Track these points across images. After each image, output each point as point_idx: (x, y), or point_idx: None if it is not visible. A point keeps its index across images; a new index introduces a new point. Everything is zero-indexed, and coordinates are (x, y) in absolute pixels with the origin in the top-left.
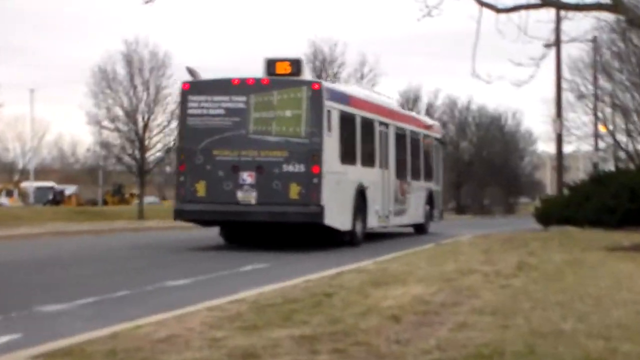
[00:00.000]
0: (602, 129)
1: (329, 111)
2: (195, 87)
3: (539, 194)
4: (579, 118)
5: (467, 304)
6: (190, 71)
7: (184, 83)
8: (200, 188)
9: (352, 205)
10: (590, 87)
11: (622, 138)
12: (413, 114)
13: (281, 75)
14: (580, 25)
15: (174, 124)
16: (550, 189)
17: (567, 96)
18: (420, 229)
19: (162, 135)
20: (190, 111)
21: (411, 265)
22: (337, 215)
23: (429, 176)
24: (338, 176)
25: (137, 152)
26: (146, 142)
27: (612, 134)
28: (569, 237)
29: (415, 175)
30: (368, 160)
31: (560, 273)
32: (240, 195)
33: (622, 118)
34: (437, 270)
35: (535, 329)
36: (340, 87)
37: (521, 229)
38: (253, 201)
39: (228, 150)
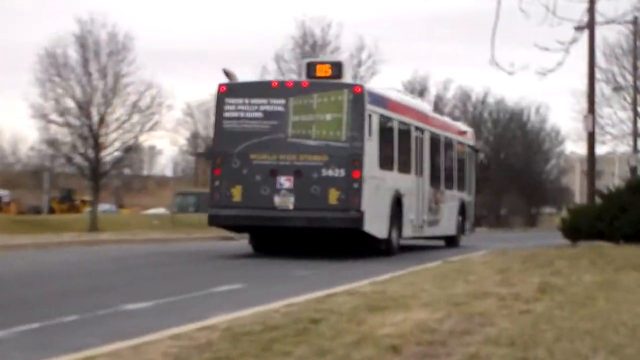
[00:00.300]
0: None
1: (369, 115)
2: (232, 89)
3: (566, 203)
4: (615, 114)
5: (480, 333)
6: (227, 73)
7: (221, 85)
8: (236, 193)
9: (389, 212)
10: (629, 77)
11: None
12: (447, 119)
13: (321, 77)
14: (619, 4)
15: (136, 118)
16: (579, 197)
17: (602, 88)
18: (451, 242)
19: (121, 132)
20: (226, 114)
21: (414, 286)
22: (376, 222)
23: (461, 185)
24: (377, 182)
25: (90, 151)
26: (102, 140)
27: None
28: (601, 255)
29: (449, 184)
30: (404, 167)
31: (590, 297)
32: (277, 200)
33: None
34: (444, 292)
35: None
36: (379, 90)
37: (545, 244)
38: (291, 206)
39: (266, 154)
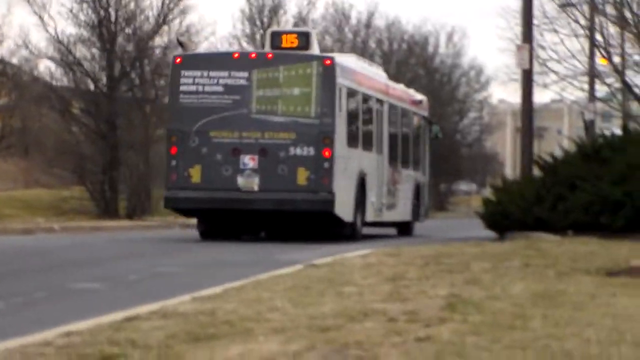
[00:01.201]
0: (601, 62)
1: (339, 89)
2: (190, 61)
3: (491, 178)
4: (562, 43)
5: None
6: (181, 43)
7: (176, 57)
8: (195, 173)
9: (355, 194)
10: None
11: (637, 79)
12: (402, 87)
13: (288, 49)
14: None
15: None
16: (511, 168)
17: (543, 4)
18: (404, 229)
19: None
20: (183, 88)
21: (260, 303)
22: (344, 204)
23: (417, 164)
24: (345, 161)
25: None
26: None
27: (618, 71)
28: (540, 253)
29: (405, 163)
30: (367, 144)
31: (522, 316)
32: (241, 181)
33: (637, 40)
34: (305, 312)
35: None
36: (347, 61)
37: (457, 237)
38: (256, 188)
39: (227, 131)
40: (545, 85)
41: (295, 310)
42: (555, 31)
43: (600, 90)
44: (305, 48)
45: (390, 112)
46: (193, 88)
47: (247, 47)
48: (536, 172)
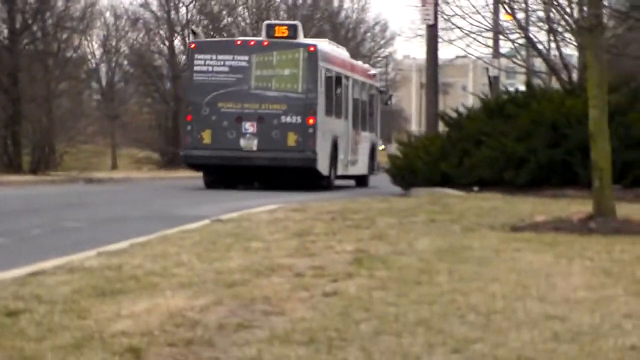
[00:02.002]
0: (505, 18)
1: (320, 70)
2: (202, 46)
3: (397, 134)
4: None
5: (263, 327)
6: (194, 32)
7: (191, 43)
8: (206, 136)
9: (330, 153)
10: None
11: (541, 35)
12: (360, 63)
13: (279, 38)
14: None
15: None
16: (416, 123)
17: None
18: (362, 181)
19: None
20: (196, 68)
21: (167, 258)
22: (323, 161)
23: (371, 127)
24: (324, 127)
25: None
26: None
27: (522, 27)
28: (445, 209)
29: (363, 127)
30: (338, 113)
31: (427, 271)
32: (243, 142)
33: None
34: (211, 267)
35: None
36: (325, 47)
37: (364, 193)
38: (254, 148)
39: (232, 103)
40: (450, 41)
41: (202, 265)
42: None
43: (505, 46)
44: (294, 37)
45: (354, 85)
46: (204, 68)
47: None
48: (442, 129)
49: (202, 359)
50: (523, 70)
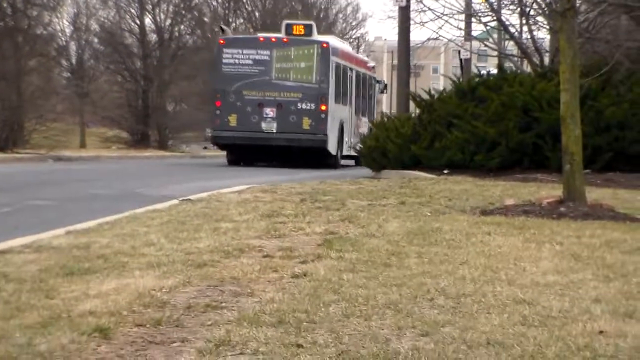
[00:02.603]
0: (478, 0)
1: (331, 63)
2: (229, 42)
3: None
4: None
5: (232, 308)
6: (222, 29)
7: (220, 39)
8: (232, 120)
9: (337, 136)
10: None
11: (513, 18)
12: (362, 56)
13: (297, 35)
14: None
15: None
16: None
17: None
18: (360, 162)
19: None
20: (224, 61)
21: (135, 237)
22: (332, 143)
23: (370, 113)
24: (333, 113)
25: None
26: None
27: (494, 9)
28: (415, 191)
29: (363, 113)
30: (344, 101)
31: (397, 253)
32: (264, 125)
33: None
34: (180, 247)
35: (347, 350)
36: (335, 43)
37: (334, 175)
38: (274, 130)
39: (255, 91)
40: (422, 23)
41: (171, 245)
42: None
43: (477, 29)
44: (309, 35)
45: (356, 76)
46: (231, 61)
47: None
48: (413, 111)
49: (171, 340)
50: (495, 53)
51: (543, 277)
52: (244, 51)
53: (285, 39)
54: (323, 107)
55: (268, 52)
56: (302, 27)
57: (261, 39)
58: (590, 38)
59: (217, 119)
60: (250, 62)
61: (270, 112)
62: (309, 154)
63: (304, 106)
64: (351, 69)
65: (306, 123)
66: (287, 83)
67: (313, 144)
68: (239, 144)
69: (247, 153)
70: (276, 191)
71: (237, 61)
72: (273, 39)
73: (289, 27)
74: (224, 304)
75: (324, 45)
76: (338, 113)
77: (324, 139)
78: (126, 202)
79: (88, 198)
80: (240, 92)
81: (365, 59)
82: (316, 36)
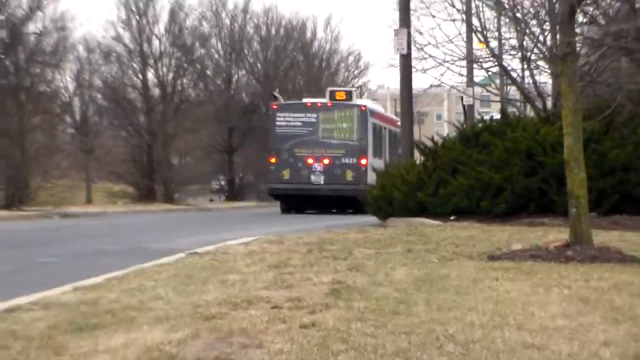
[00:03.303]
0: (479, 46)
1: (369, 124)
2: (281, 107)
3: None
4: (439, 27)
5: (242, 359)
6: (275, 96)
7: (273, 104)
8: (286, 174)
9: None
10: None
11: (514, 63)
12: (391, 115)
13: (339, 100)
14: None
15: None
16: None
17: None
18: None
19: None
20: (278, 123)
21: (143, 292)
22: None
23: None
24: (372, 165)
25: None
26: None
27: (495, 55)
28: (422, 239)
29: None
30: (379, 154)
31: (405, 302)
32: (313, 178)
33: (514, 25)
34: (188, 300)
35: None
36: (372, 106)
37: (341, 224)
38: (322, 182)
39: (304, 149)
40: (424, 71)
41: (179, 299)
42: (433, 16)
43: (479, 74)
44: (349, 99)
45: (389, 133)
46: (284, 123)
47: (124, 33)
48: (418, 157)
49: None
50: (497, 98)
51: (552, 321)
52: (294, 115)
53: (329, 104)
54: (363, 161)
55: (315, 115)
56: (344, 93)
57: (308, 104)
58: (591, 81)
59: (272, 173)
60: (299, 124)
61: (318, 166)
62: (351, 202)
63: (346, 161)
64: (384, 127)
65: (349, 175)
66: (332, 141)
67: (355, 194)
68: (291, 194)
69: (298, 202)
70: (283, 242)
71: (288, 123)
72: (319, 104)
73: (332, 94)
74: (232, 356)
75: (362, 108)
76: (375, 165)
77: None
78: (133, 257)
79: (95, 254)
80: (292, 150)
81: (395, 117)
82: (355, 100)
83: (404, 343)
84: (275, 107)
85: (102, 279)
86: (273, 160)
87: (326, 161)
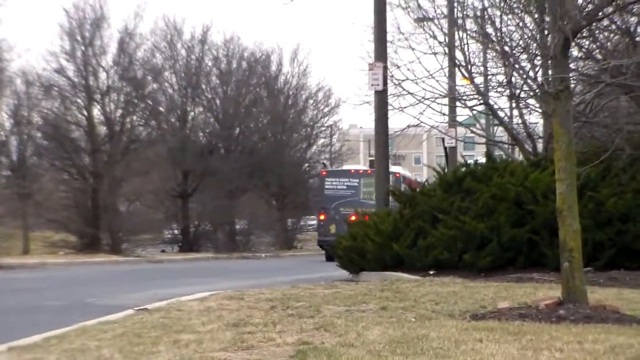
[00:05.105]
0: (463, 82)
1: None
2: (329, 173)
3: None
4: (418, 61)
5: None
6: (324, 165)
7: (322, 171)
8: (332, 228)
9: None
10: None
11: (502, 102)
12: (415, 180)
13: None
14: None
15: None
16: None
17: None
18: None
19: None
20: (326, 186)
21: (87, 353)
22: None
23: None
24: None
25: None
26: None
27: (480, 92)
28: (398, 295)
29: None
30: None
31: None
32: None
33: (501, 59)
34: None
35: None
36: (404, 172)
37: (309, 279)
38: None
39: (348, 207)
40: (401, 109)
41: None
42: (412, 48)
43: (462, 114)
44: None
45: None
46: (331, 186)
47: (67, 64)
48: (393, 205)
49: None
50: (483, 140)
51: None
52: (340, 179)
53: (369, 171)
54: None
55: (357, 180)
56: None
57: (352, 171)
58: (587, 122)
59: (321, 228)
60: (344, 187)
61: None
62: None
63: None
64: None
65: None
66: (370, 202)
67: None
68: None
69: None
70: (243, 298)
71: (335, 187)
72: (360, 171)
73: (372, 163)
74: None
75: (397, 175)
76: None
77: None
78: (75, 314)
79: (33, 310)
80: (337, 209)
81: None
82: (391, 168)
83: None
84: (324, 173)
85: (40, 338)
86: (322, 217)
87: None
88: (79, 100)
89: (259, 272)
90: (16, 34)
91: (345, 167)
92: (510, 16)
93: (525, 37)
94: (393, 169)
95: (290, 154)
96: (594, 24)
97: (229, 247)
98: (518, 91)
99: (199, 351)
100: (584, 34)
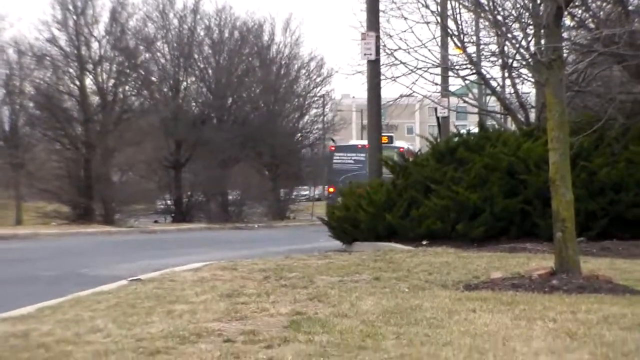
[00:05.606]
0: (455, 51)
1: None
2: (338, 148)
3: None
4: (411, 30)
5: None
6: (333, 140)
7: (331, 146)
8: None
9: None
10: None
11: (494, 71)
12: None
13: (383, 143)
14: None
15: None
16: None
17: None
18: None
19: None
20: (334, 161)
21: (81, 323)
22: None
23: None
24: None
25: None
26: None
27: (473, 62)
28: (391, 265)
29: None
30: None
31: (373, 335)
32: None
33: (494, 29)
34: (130, 333)
35: None
36: (407, 147)
37: (303, 249)
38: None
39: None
40: (394, 78)
41: (120, 331)
42: (404, 17)
43: (455, 84)
44: (391, 143)
45: None
46: (339, 161)
47: (59, 34)
48: (387, 175)
49: None
50: (475, 110)
51: (535, 358)
52: (347, 154)
53: None
54: None
55: (363, 155)
56: (386, 137)
57: (359, 146)
58: (580, 91)
59: (330, 200)
60: (352, 161)
61: None
62: None
63: None
64: None
65: None
66: None
67: None
68: None
69: None
70: (236, 268)
71: (343, 161)
72: (367, 146)
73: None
74: None
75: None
76: None
77: None
78: (69, 284)
79: (26, 280)
80: (345, 182)
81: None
82: (395, 143)
83: None
84: (332, 148)
85: (33, 308)
86: (331, 189)
87: None
88: (71, 70)
89: (251, 242)
90: (8, 2)
91: (352, 142)
92: None
93: (518, 6)
94: (397, 143)
95: (282, 124)
96: None
97: (222, 218)
98: (510, 60)
99: (192, 322)
100: (577, 3)
